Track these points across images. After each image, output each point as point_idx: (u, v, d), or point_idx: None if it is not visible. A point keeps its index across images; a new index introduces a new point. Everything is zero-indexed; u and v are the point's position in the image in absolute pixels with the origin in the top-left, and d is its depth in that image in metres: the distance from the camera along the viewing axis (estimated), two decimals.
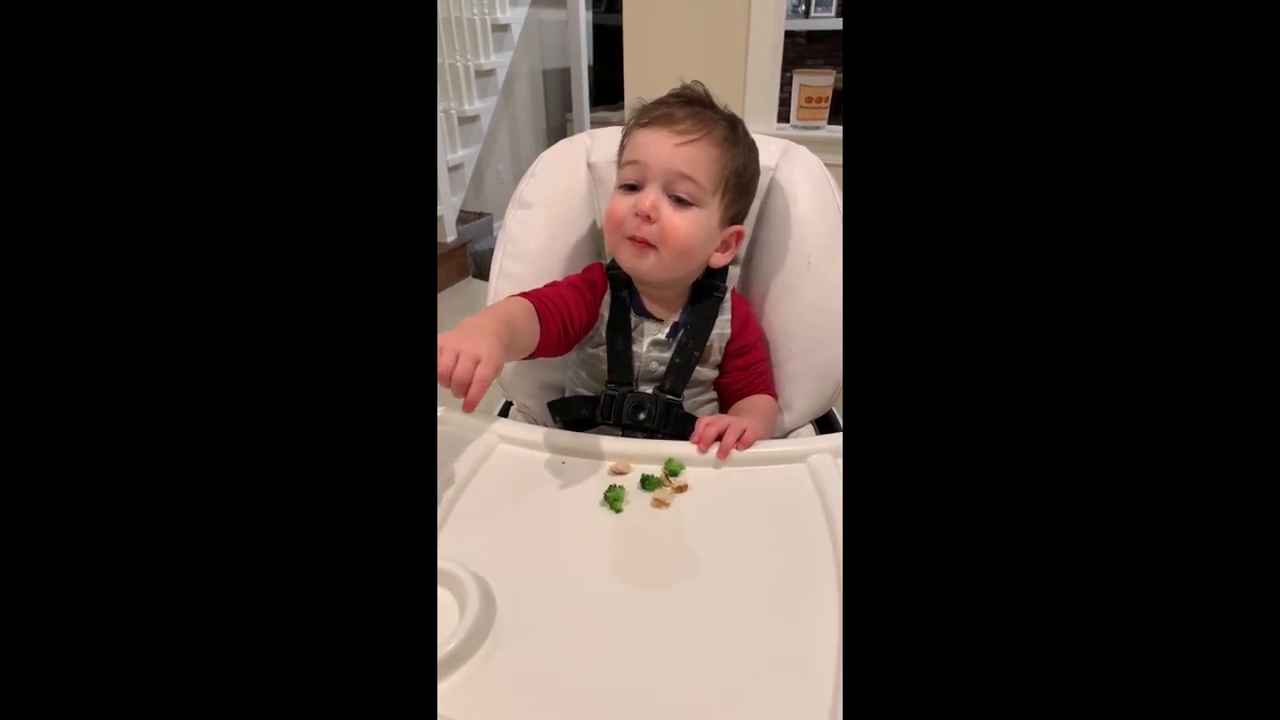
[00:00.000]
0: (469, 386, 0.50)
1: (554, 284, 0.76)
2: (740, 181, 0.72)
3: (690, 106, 0.71)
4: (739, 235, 0.75)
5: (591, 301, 0.75)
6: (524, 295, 0.71)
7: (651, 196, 0.68)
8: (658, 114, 0.70)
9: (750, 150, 0.74)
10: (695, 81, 0.74)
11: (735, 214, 0.74)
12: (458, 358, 0.50)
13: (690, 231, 0.69)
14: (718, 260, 0.74)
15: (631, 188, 0.70)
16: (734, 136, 0.71)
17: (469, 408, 0.51)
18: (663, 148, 0.68)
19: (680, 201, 0.68)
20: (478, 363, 0.51)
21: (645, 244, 0.69)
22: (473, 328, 0.56)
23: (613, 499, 0.56)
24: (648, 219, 0.68)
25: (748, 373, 0.77)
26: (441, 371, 0.50)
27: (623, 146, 0.74)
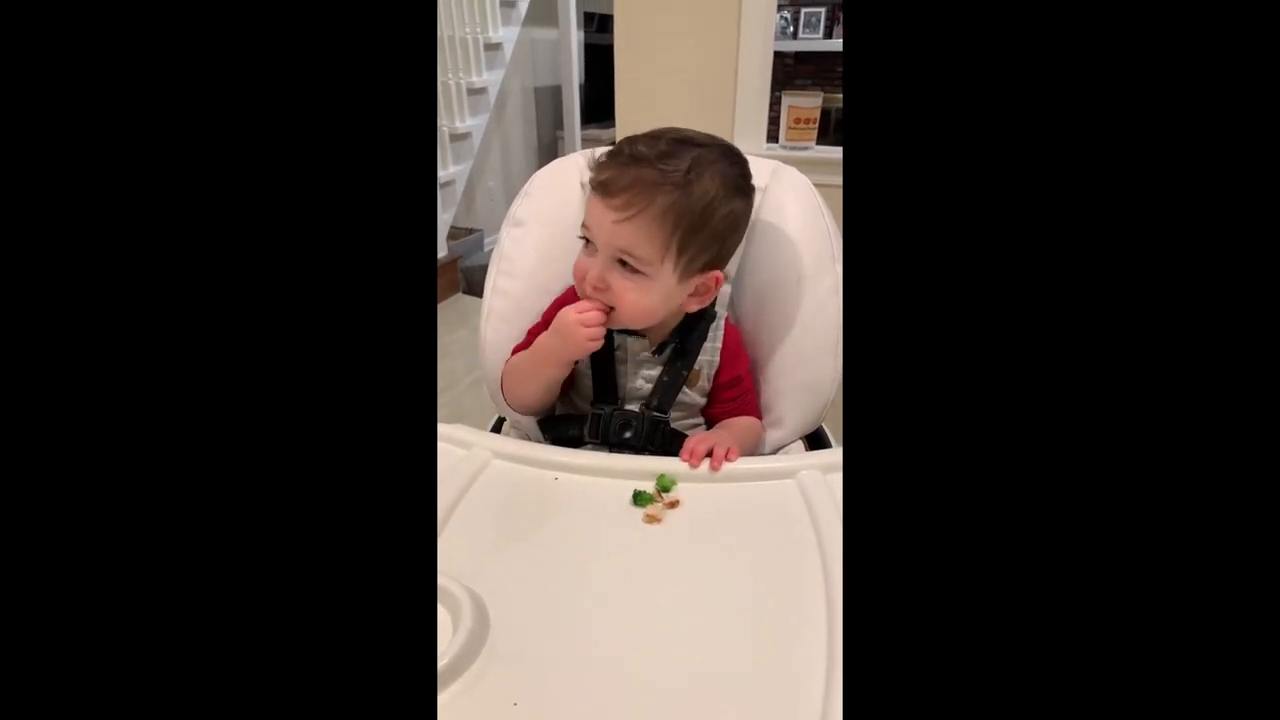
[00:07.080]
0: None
1: (538, 327, 0.78)
2: (700, 237, 0.66)
3: (638, 169, 0.64)
4: (717, 280, 0.70)
5: None
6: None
7: (598, 268, 0.66)
8: (603, 179, 0.65)
9: (728, 195, 0.67)
10: (668, 135, 0.67)
11: (708, 261, 0.68)
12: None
13: (637, 300, 0.67)
14: (692, 306, 0.72)
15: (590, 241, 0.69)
16: (686, 197, 0.64)
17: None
18: (603, 223, 0.65)
19: (630, 266, 0.66)
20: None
21: (604, 305, 0.68)
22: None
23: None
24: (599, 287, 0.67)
25: (737, 403, 0.78)
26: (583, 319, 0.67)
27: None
